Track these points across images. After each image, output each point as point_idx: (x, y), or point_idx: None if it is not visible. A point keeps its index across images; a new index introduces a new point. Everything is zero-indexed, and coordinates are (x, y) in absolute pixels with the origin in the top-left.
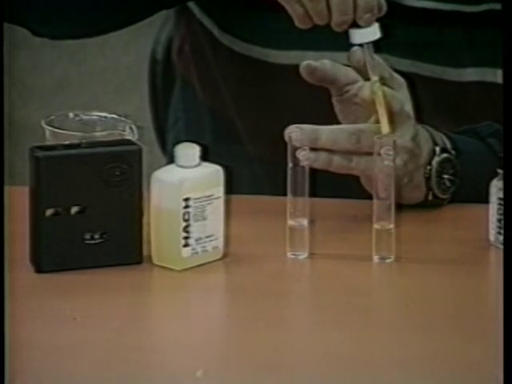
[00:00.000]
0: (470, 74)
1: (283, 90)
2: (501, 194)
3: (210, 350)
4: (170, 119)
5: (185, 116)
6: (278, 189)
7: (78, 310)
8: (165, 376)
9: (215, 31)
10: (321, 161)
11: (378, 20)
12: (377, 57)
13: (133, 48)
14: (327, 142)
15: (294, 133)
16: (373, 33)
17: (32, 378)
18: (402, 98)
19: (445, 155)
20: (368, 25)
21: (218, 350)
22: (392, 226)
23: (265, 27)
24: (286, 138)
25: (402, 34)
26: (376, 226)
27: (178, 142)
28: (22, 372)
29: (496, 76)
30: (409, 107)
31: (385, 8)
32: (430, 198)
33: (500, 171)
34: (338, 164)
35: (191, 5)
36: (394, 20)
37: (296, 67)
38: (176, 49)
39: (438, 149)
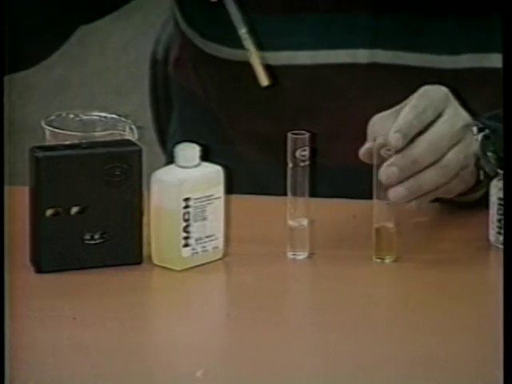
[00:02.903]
0: (465, 61)
1: (277, 90)
2: (501, 194)
3: (210, 350)
4: (172, 124)
5: (184, 118)
6: (278, 189)
7: (78, 310)
8: (165, 376)
9: (197, 40)
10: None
11: (373, 12)
12: None
13: (133, 48)
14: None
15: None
16: None
17: (32, 378)
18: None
19: (483, 133)
20: None
21: (218, 350)
22: (392, 225)
23: (250, 30)
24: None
25: (396, 24)
26: (376, 225)
27: (179, 141)
28: (21, 372)
29: (491, 61)
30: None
31: None
32: (482, 177)
33: (500, 171)
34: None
35: (177, 15)
36: (387, 11)
37: (286, 68)
38: (173, 59)
39: (475, 128)
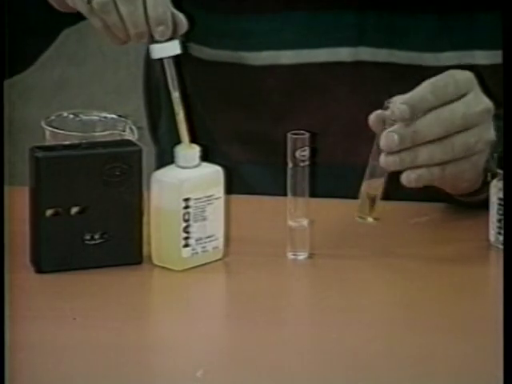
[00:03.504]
0: (448, 58)
1: (261, 90)
2: (501, 194)
3: (210, 350)
4: (161, 126)
5: (172, 119)
6: (278, 189)
7: (78, 310)
8: (165, 376)
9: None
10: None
11: (356, 10)
12: None
13: (132, 48)
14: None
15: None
16: (172, 48)
17: (32, 378)
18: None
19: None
20: (164, 39)
21: (218, 350)
22: (380, 188)
23: (233, 31)
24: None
25: (377, 22)
26: (365, 187)
27: (168, 142)
28: (21, 372)
29: (474, 58)
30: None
31: (185, 25)
32: (489, 179)
33: (500, 171)
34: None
35: None
36: (370, 9)
37: (270, 67)
38: (159, 61)
39: None
